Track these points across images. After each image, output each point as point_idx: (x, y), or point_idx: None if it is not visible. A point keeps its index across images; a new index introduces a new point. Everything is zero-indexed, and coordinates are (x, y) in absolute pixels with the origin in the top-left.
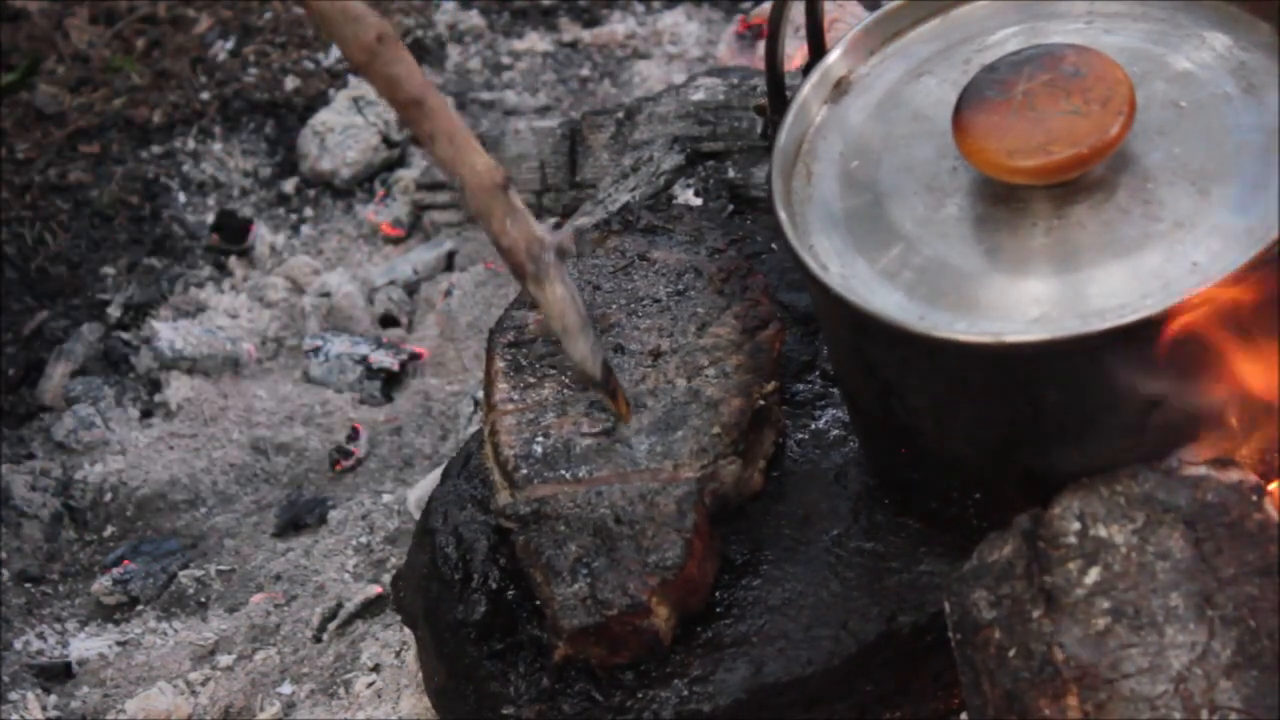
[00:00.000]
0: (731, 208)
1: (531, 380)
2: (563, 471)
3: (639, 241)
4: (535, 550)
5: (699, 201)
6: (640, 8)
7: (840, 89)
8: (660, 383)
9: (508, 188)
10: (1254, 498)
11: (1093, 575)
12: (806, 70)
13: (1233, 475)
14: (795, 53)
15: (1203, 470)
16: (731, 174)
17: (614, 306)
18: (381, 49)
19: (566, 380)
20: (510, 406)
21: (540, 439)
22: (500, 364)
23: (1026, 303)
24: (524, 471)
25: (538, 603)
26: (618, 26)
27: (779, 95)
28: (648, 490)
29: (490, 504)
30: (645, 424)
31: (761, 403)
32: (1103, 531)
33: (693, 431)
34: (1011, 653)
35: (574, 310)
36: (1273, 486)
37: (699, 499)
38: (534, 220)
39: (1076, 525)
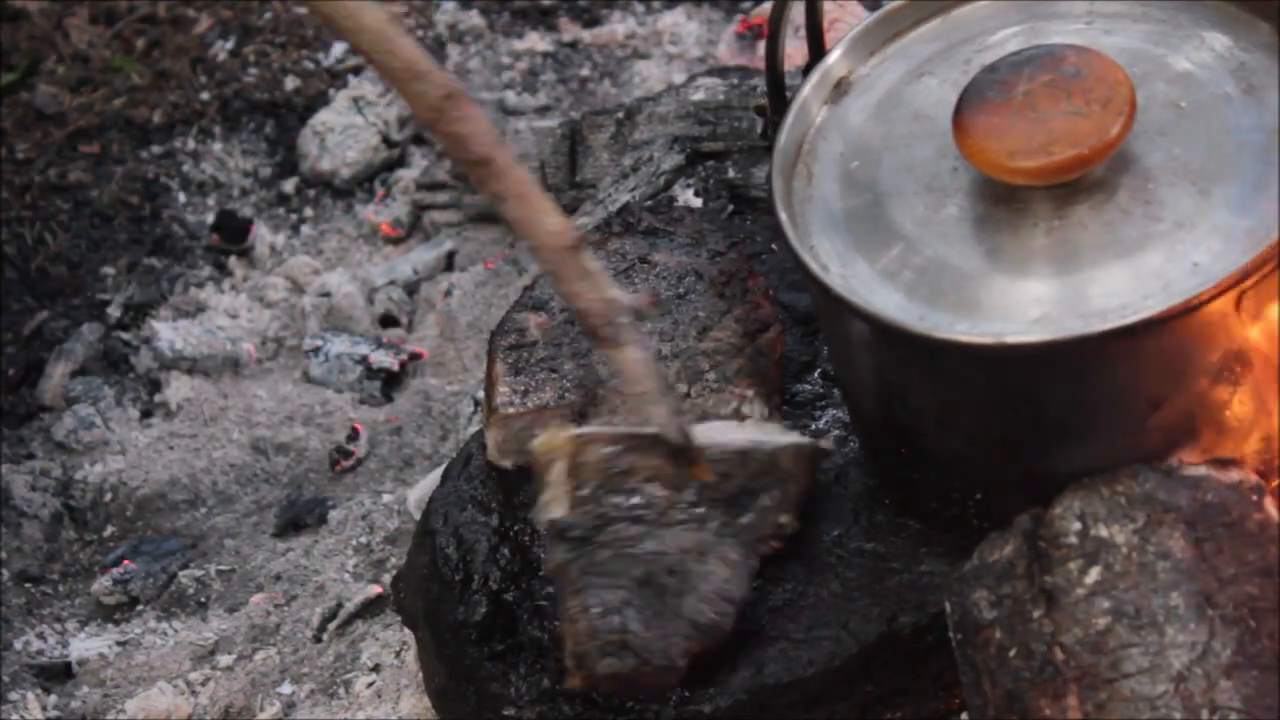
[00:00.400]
0: (731, 208)
1: (532, 384)
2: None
3: (640, 244)
4: (575, 577)
5: (699, 202)
6: (640, 8)
7: (840, 89)
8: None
9: (581, 249)
10: (1254, 498)
11: (1093, 575)
12: (806, 70)
13: (1233, 475)
14: (795, 53)
15: (1203, 470)
16: (731, 174)
17: None
18: (448, 107)
19: (567, 385)
20: (512, 410)
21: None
22: (501, 367)
23: (1027, 303)
24: (592, 493)
25: (553, 624)
26: (618, 26)
27: (779, 95)
28: (703, 542)
29: (534, 509)
30: (718, 504)
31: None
32: (1103, 531)
33: (761, 511)
34: (1012, 653)
35: (651, 375)
36: (1273, 486)
37: (754, 570)
38: (609, 281)
39: (1077, 525)
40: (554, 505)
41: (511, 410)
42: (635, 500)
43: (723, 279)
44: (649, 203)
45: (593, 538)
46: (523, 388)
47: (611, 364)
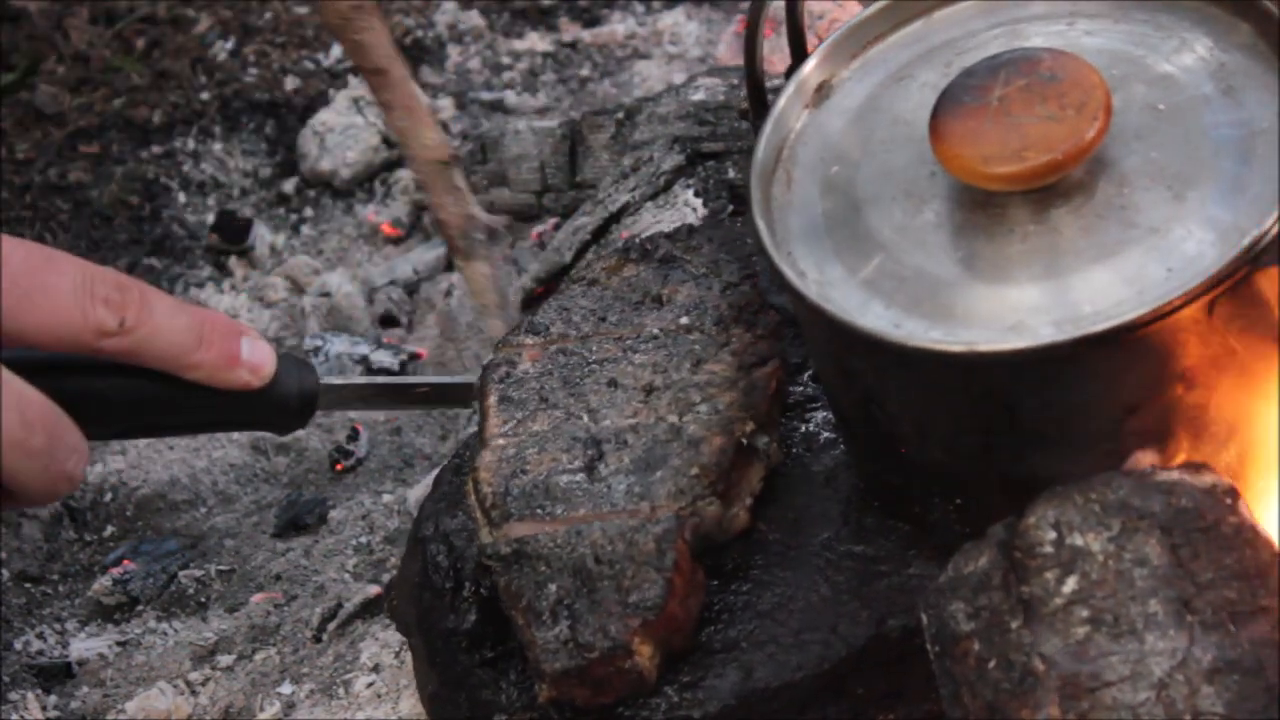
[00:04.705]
0: (731, 208)
1: (521, 415)
2: (539, 510)
3: (654, 276)
4: (516, 592)
5: (699, 201)
6: (640, 8)
7: (821, 93)
8: (652, 419)
9: (453, 165)
10: (1228, 501)
11: (1070, 584)
12: (788, 74)
13: (1206, 479)
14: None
15: (1176, 475)
16: (731, 174)
17: (613, 341)
18: (355, 16)
19: (559, 416)
20: (502, 441)
21: (519, 475)
22: (492, 398)
23: (1003, 310)
24: (501, 509)
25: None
26: (618, 26)
27: (759, 99)
28: (627, 528)
29: (474, 542)
30: (626, 462)
31: (745, 441)
32: (1079, 540)
33: (672, 472)
34: (991, 664)
35: (494, 290)
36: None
37: (679, 536)
38: (473, 200)
39: (1052, 534)
40: (480, 535)
41: (502, 441)
42: (544, 499)
43: (732, 313)
44: (670, 229)
45: (521, 550)
46: (514, 419)
47: (461, 273)
